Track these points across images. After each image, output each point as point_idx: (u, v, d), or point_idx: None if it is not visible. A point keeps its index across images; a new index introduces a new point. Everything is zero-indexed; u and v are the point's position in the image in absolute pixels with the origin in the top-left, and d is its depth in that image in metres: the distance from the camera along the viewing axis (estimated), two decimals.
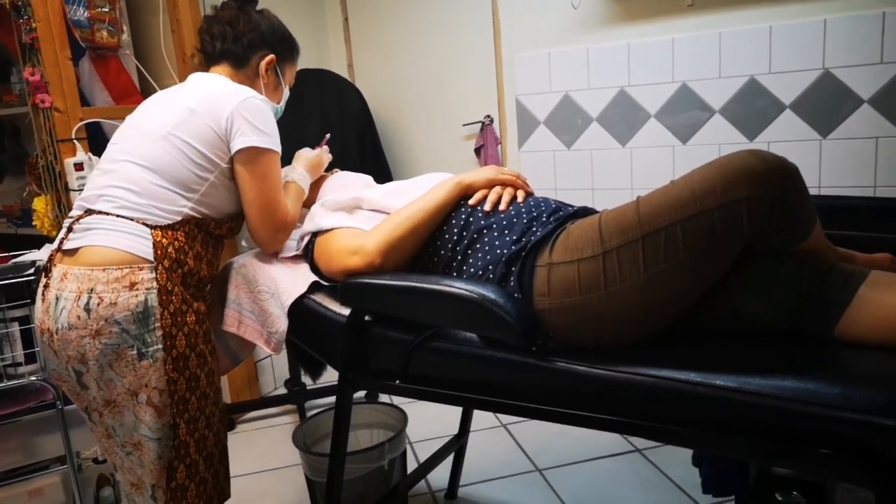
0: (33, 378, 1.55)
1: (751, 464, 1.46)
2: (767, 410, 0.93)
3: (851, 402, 0.88)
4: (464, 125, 2.87)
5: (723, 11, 2.24)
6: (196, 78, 1.46)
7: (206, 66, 1.51)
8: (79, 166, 2.02)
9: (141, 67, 2.37)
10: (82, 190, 1.99)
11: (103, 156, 1.40)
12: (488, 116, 2.80)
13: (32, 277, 1.52)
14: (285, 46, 1.55)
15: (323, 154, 1.68)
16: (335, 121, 2.76)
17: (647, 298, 1.08)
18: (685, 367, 1.01)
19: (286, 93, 1.58)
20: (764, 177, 1.02)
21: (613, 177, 2.55)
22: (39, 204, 2.08)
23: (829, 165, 2.15)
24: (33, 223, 2.12)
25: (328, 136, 1.84)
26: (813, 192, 2.23)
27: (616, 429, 1.09)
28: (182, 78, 2.38)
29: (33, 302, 1.53)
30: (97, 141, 2.19)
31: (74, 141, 2.04)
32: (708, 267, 1.07)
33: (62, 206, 2.06)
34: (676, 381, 1.00)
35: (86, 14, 2.16)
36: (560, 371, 1.10)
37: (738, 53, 2.22)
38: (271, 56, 1.51)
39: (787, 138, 2.20)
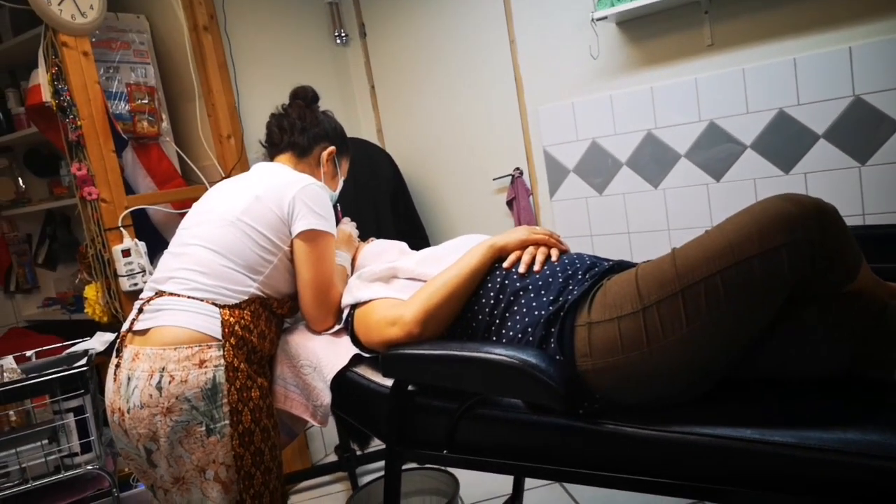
0: (89, 467, 1.58)
1: None
2: (831, 466, 0.89)
3: None
4: (494, 179, 2.89)
5: (743, 48, 2.24)
6: (260, 167, 1.58)
7: (269, 156, 1.64)
8: (126, 252, 2.10)
9: (181, 152, 2.47)
10: (130, 275, 2.09)
11: (173, 240, 1.49)
12: (518, 169, 2.82)
13: (86, 368, 1.57)
14: (344, 142, 1.69)
15: (347, 227, 1.73)
16: (367, 187, 2.81)
17: (692, 353, 1.06)
18: (739, 424, 0.98)
19: (341, 182, 1.70)
20: (800, 221, 1.00)
21: (649, 219, 2.53)
22: (90, 292, 2.16)
23: (871, 192, 2.09)
24: (85, 310, 2.20)
25: (338, 206, 1.89)
26: (857, 220, 2.16)
27: (672, 492, 1.04)
28: (219, 158, 2.48)
29: (87, 392, 1.58)
30: (143, 226, 2.28)
31: (121, 228, 2.12)
32: (753, 317, 1.04)
33: (112, 292, 2.13)
34: (732, 439, 0.96)
35: (127, 107, 2.28)
36: (609, 434, 1.07)
37: (764, 88, 2.20)
38: (332, 148, 1.63)
39: (825, 168, 2.15)
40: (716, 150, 2.33)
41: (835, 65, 2.08)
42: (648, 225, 2.54)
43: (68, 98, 2.04)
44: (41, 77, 2.10)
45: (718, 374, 1.08)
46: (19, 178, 2.70)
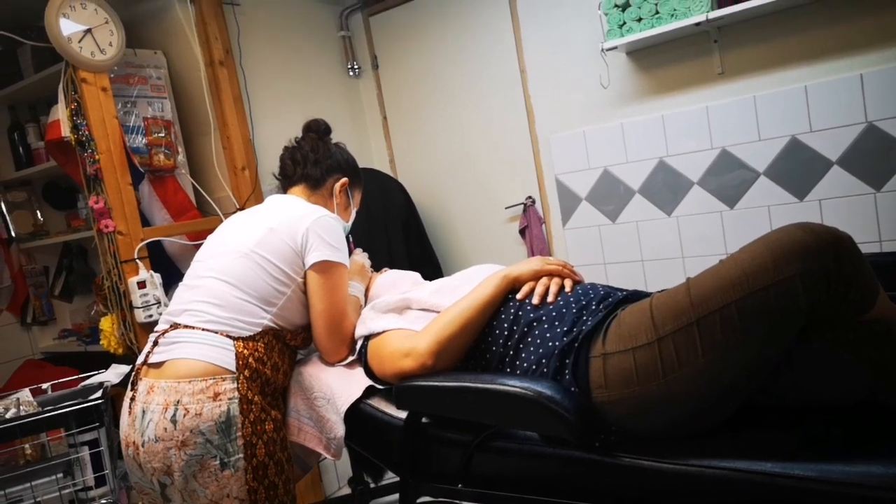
0: (104, 501, 1.57)
1: None
2: (855, 501, 0.87)
3: None
4: (506, 208, 2.90)
5: (754, 76, 2.25)
6: (274, 199, 1.60)
7: (283, 188, 1.66)
8: (142, 284, 2.11)
9: (196, 184, 2.50)
10: (146, 307, 2.10)
11: (188, 272, 1.50)
12: (530, 197, 2.83)
13: (101, 401, 1.57)
14: (356, 173, 1.71)
15: (360, 257, 1.74)
16: (380, 216, 2.83)
17: (709, 383, 1.04)
18: (759, 456, 0.96)
19: (354, 213, 1.71)
20: (815, 250, 0.99)
21: (662, 247, 2.52)
22: (106, 324, 2.17)
23: (887, 219, 2.08)
24: (100, 342, 2.21)
25: (350, 238, 1.89)
26: (873, 247, 2.13)
27: None
28: (234, 189, 2.51)
29: (102, 425, 1.58)
30: (158, 258, 2.30)
31: (137, 261, 2.14)
32: (768, 346, 1.03)
33: (127, 324, 2.14)
34: (752, 472, 0.95)
35: (144, 141, 2.32)
36: (626, 467, 1.06)
37: (776, 115, 2.21)
38: (345, 179, 1.65)
39: (839, 194, 2.14)
40: (729, 178, 2.33)
41: (846, 92, 2.08)
42: (662, 253, 2.53)
43: (87, 133, 2.08)
44: (60, 112, 2.14)
45: (735, 403, 1.07)
46: (38, 211, 2.74)
